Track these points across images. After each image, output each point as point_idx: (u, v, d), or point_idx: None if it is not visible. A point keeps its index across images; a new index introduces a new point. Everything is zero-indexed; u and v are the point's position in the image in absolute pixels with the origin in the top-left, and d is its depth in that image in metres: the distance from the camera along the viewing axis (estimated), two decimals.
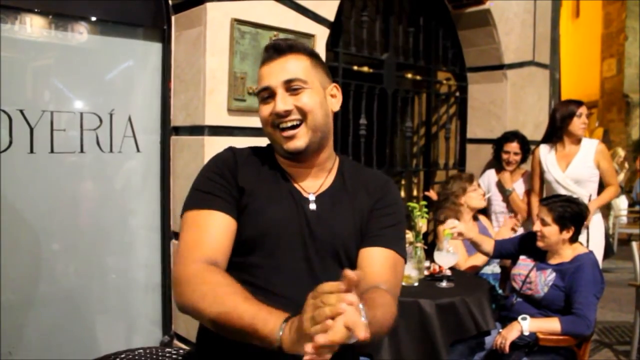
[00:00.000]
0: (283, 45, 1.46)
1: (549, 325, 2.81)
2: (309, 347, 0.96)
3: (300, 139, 1.43)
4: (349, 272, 1.00)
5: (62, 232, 2.83)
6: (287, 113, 1.40)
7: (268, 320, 1.13)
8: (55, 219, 2.80)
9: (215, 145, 2.84)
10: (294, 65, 1.43)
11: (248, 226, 1.42)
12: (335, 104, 1.53)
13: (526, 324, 2.81)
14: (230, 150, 1.55)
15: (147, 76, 3.05)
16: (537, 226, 3.00)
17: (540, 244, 2.99)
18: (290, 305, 1.26)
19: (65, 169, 2.80)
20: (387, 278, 1.40)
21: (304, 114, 1.42)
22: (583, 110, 3.84)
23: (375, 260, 1.43)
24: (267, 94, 1.44)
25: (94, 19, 2.83)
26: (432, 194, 4.41)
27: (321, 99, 1.46)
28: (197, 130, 2.88)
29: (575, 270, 2.87)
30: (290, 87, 1.41)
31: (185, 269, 1.33)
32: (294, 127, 1.42)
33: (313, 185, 1.50)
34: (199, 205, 1.44)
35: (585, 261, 2.90)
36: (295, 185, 1.49)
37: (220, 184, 1.45)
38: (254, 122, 3.02)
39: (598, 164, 3.82)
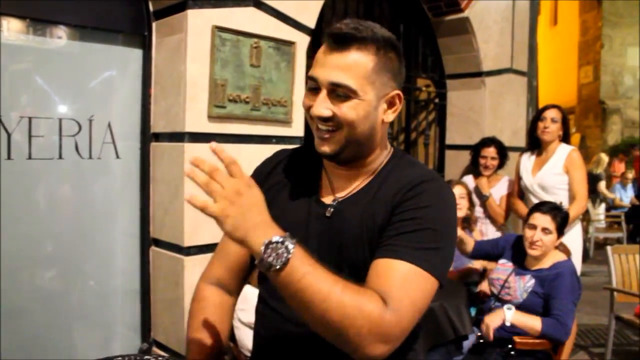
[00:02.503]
0: (347, 35, 1.18)
1: (531, 323, 2.83)
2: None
3: (331, 144, 1.24)
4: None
5: (40, 239, 2.82)
6: (324, 119, 1.22)
7: None
8: (34, 226, 2.78)
9: (195, 152, 2.85)
10: (350, 67, 1.18)
11: None
12: (391, 114, 1.27)
13: (510, 314, 2.85)
14: (272, 156, 1.47)
15: (127, 82, 3.04)
16: (537, 235, 2.96)
17: (536, 252, 2.97)
18: (288, 322, 1.28)
19: (44, 175, 2.79)
20: (386, 289, 1.12)
21: (341, 124, 1.21)
22: (547, 114, 3.79)
23: (376, 273, 1.17)
24: (313, 85, 1.23)
25: (73, 24, 2.82)
26: None
27: (370, 110, 1.22)
28: (178, 136, 2.88)
29: (554, 278, 2.90)
30: (336, 92, 1.20)
31: (197, 283, 1.46)
32: (328, 131, 1.24)
33: (344, 187, 1.33)
34: None
35: (565, 269, 2.93)
36: (324, 187, 1.35)
37: None
38: (235, 128, 3.03)
39: (567, 170, 3.74)
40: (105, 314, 3.07)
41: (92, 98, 2.93)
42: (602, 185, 9.59)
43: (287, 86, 3.24)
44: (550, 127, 3.76)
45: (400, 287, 1.12)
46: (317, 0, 3.42)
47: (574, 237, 3.71)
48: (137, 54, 3.06)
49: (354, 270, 1.22)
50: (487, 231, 4.19)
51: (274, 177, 1.40)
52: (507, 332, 2.87)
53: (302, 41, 3.31)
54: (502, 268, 3.14)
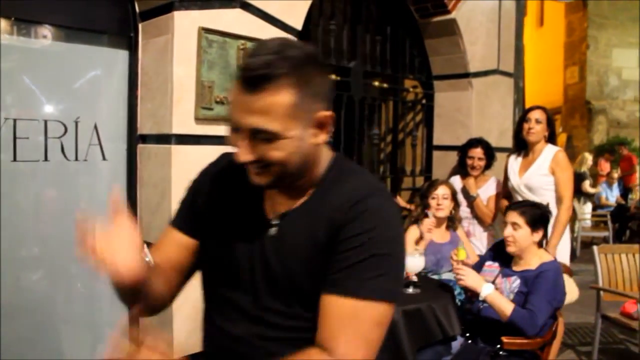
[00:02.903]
0: (259, 76, 1.06)
1: (503, 306, 2.85)
2: None
3: (263, 178, 1.17)
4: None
5: (26, 241, 2.79)
6: (249, 163, 1.14)
7: None
8: (20, 228, 2.76)
9: (182, 154, 2.84)
10: (269, 110, 1.08)
11: (206, 251, 1.34)
12: (322, 136, 1.17)
13: (485, 291, 2.88)
14: (215, 161, 1.42)
15: (113, 84, 3.03)
16: (508, 231, 3.00)
17: (511, 249, 3.00)
18: (235, 344, 1.25)
19: (29, 177, 2.76)
20: (333, 335, 1.10)
21: (270, 163, 1.13)
22: (532, 115, 3.80)
23: (324, 313, 1.13)
24: (234, 125, 1.14)
25: (58, 24, 2.80)
26: (400, 201, 4.46)
27: (298, 145, 1.12)
28: (164, 138, 2.87)
29: (537, 276, 2.92)
30: (258, 136, 1.10)
31: None
32: (259, 168, 1.16)
33: (285, 203, 1.25)
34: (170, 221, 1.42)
35: (550, 268, 2.95)
36: (266, 203, 1.27)
37: (186, 200, 1.41)
38: (222, 130, 3.01)
39: (553, 172, 3.74)
40: (92, 316, 3.05)
41: (78, 99, 2.91)
42: (586, 183, 9.67)
43: None
44: (535, 128, 3.77)
45: (349, 327, 1.10)
46: (304, 1, 3.42)
47: (563, 237, 3.73)
48: (123, 55, 3.04)
49: (300, 295, 1.19)
50: (475, 231, 4.20)
51: (218, 182, 1.35)
52: (494, 334, 2.89)
53: None
54: (489, 270, 3.16)
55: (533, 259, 2.99)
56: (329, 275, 1.14)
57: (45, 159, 2.78)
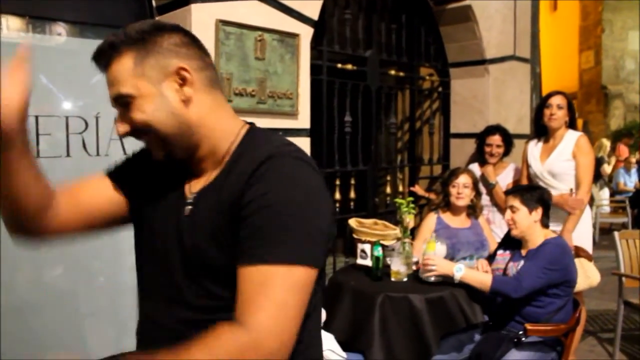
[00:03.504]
0: (101, 53, 1.18)
1: (481, 278, 2.90)
2: None
3: (155, 150, 1.21)
4: None
5: None
6: (130, 134, 1.18)
7: None
8: None
9: None
10: (116, 77, 1.16)
11: (135, 232, 1.34)
12: (188, 90, 1.16)
13: (459, 275, 2.91)
14: None
15: None
16: (507, 215, 3.03)
17: (514, 232, 3.03)
18: (155, 330, 1.24)
19: (52, 173, 2.78)
20: (247, 306, 1.05)
21: (142, 130, 1.17)
22: (553, 100, 3.76)
23: (237, 287, 1.08)
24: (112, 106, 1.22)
25: (75, 21, 2.81)
26: (418, 189, 4.45)
27: (159, 101, 1.15)
28: None
29: (538, 250, 2.94)
30: (121, 105, 1.17)
31: None
32: (145, 141, 1.22)
33: (201, 181, 1.24)
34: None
35: (551, 243, 2.96)
36: (186, 183, 1.26)
37: (125, 163, 1.40)
38: None
39: (574, 156, 3.70)
40: (116, 310, 3.08)
41: (97, 95, 2.91)
42: (604, 167, 9.59)
43: (292, 78, 3.23)
44: (557, 113, 3.74)
45: (260, 295, 1.04)
46: None
47: (584, 222, 3.71)
48: None
49: (215, 272, 1.15)
50: (495, 219, 4.18)
51: (149, 164, 1.31)
52: (518, 322, 2.89)
53: (306, 33, 3.31)
54: (501, 258, 3.17)
55: (538, 239, 3.00)
56: (238, 246, 1.09)
57: (67, 154, 2.80)
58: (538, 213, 3.01)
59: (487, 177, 4.22)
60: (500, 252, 3.21)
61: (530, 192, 3.08)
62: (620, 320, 4.15)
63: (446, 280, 3.03)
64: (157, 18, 3.02)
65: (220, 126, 1.21)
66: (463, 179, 3.66)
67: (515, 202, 3.01)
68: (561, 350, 2.90)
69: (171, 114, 1.15)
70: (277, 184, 1.09)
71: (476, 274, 2.95)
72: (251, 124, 1.28)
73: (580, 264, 3.13)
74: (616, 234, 4.27)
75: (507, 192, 3.15)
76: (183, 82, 1.16)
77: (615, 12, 12.45)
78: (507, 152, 4.32)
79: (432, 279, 3.05)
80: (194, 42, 1.22)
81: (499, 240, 3.81)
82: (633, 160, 10.36)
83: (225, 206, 1.12)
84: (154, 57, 1.15)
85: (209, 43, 2.85)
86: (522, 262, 2.97)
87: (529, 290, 2.83)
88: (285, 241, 1.06)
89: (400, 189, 4.78)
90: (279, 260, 1.05)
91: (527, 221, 3.00)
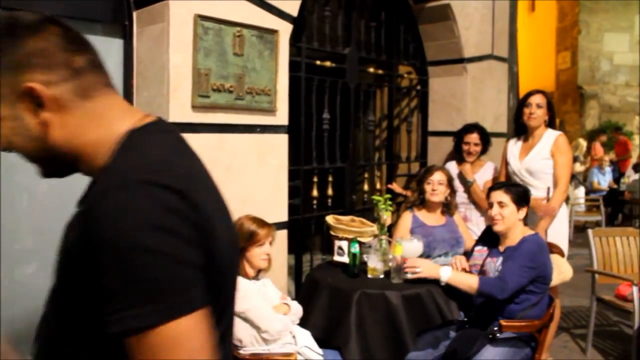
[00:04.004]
0: None
1: (468, 281, 2.93)
2: None
3: (38, 170, 1.05)
4: None
5: (21, 235, 2.78)
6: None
7: None
8: (16, 222, 2.74)
9: None
10: None
11: None
12: (46, 114, 0.95)
13: (445, 276, 2.94)
14: None
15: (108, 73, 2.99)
16: (495, 210, 3.05)
17: (499, 227, 3.06)
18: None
19: (26, 169, 2.74)
20: None
21: (8, 150, 0.99)
22: (532, 99, 3.81)
23: None
24: None
25: (50, 14, 2.76)
26: (396, 187, 4.47)
27: (15, 126, 0.96)
28: None
29: (516, 249, 2.99)
30: None
31: None
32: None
33: None
34: None
35: (528, 240, 3.01)
36: None
37: None
38: (219, 118, 3.01)
39: (553, 155, 3.75)
40: None
41: None
42: (576, 165, 9.72)
43: (271, 75, 3.22)
44: (536, 112, 3.79)
45: None
46: None
47: (561, 221, 3.76)
48: (117, 44, 3.01)
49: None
50: (472, 216, 4.22)
51: None
52: (493, 318, 2.92)
53: (285, 29, 3.30)
54: (478, 254, 3.20)
55: (517, 236, 3.05)
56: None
57: None
58: (524, 211, 3.07)
59: (465, 175, 4.26)
60: (477, 248, 3.24)
61: (518, 189, 3.14)
62: (592, 316, 4.22)
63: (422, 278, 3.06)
64: (134, 12, 2.99)
65: (95, 142, 0.99)
66: (438, 176, 3.69)
67: (506, 198, 3.05)
68: (535, 346, 2.94)
69: (30, 139, 0.96)
70: (105, 228, 0.84)
71: (462, 276, 2.96)
72: (141, 127, 1.00)
73: (553, 259, 3.17)
74: (590, 231, 4.34)
75: (496, 188, 3.17)
76: (38, 103, 0.94)
77: (592, 14, 12.62)
78: (484, 151, 4.35)
79: (409, 275, 3.07)
80: (63, 41, 0.98)
81: (475, 237, 3.85)
82: (607, 159, 10.53)
83: (73, 249, 0.92)
84: (5, 71, 0.93)
85: (187, 38, 2.84)
86: (500, 258, 3.01)
87: (514, 290, 2.88)
88: (146, 295, 0.83)
89: (378, 186, 4.79)
90: (151, 324, 0.82)
91: (514, 218, 3.05)
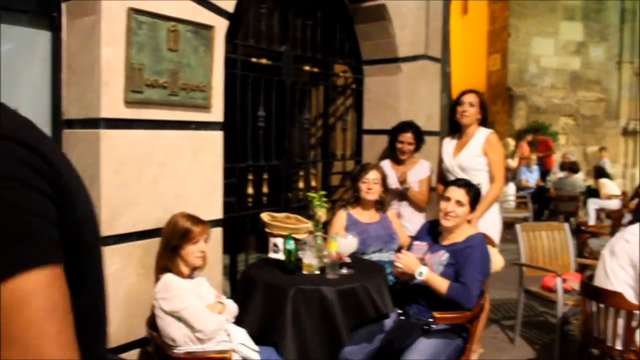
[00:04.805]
0: None
1: (439, 283, 2.99)
2: None
3: None
4: None
5: None
6: None
7: None
8: None
9: (111, 139, 2.77)
10: None
11: None
12: None
13: (420, 278, 2.99)
14: None
15: (34, 66, 2.90)
16: (451, 206, 3.14)
17: (449, 223, 3.14)
18: None
19: None
20: None
21: None
22: (465, 98, 3.95)
23: None
24: None
25: None
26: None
27: None
28: (92, 123, 2.78)
29: (466, 249, 3.07)
30: None
31: None
32: None
33: None
34: None
35: (477, 242, 3.12)
36: None
37: None
38: (153, 114, 2.96)
39: (485, 153, 3.89)
40: None
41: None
42: (509, 162, 10.07)
43: (206, 71, 3.19)
44: (469, 110, 3.92)
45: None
46: None
47: (493, 216, 3.89)
48: (45, 36, 2.91)
49: None
50: (404, 213, 4.30)
51: None
52: (427, 310, 3.00)
53: (221, 25, 3.27)
54: (417, 248, 3.27)
55: (461, 233, 3.15)
56: None
57: None
58: (472, 212, 3.22)
59: (401, 183, 4.29)
60: (416, 242, 3.31)
61: (476, 190, 3.25)
62: (520, 307, 4.39)
63: (356, 272, 3.10)
64: (63, 4, 2.90)
65: None
66: (373, 175, 3.75)
67: (465, 198, 3.15)
68: (467, 337, 3.04)
69: None
70: None
71: (436, 278, 3.01)
72: None
73: None
74: (518, 226, 4.52)
75: (456, 184, 3.25)
76: None
77: (521, 18, 13.06)
78: (417, 149, 4.45)
79: (344, 270, 3.11)
80: None
81: (409, 233, 3.94)
82: (534, 157, 10.94)
83: None
84: None
85: (119, 32, 2.77)
86: (445, 253, 3.09)
87: (478, 295, 2.99)
88: None
89: (314, 183, 4.81)
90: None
91: (465, 218, 3.17)
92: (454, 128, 4.09)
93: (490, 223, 3.80)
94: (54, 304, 0.77)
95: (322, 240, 3.23)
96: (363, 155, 5.17)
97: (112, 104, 2.78)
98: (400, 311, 3.15)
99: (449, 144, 4.10)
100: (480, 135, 3.95)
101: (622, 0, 13.19)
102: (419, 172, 4.40)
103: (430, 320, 2.93)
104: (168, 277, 2.73)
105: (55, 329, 0.76)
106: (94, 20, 2.74)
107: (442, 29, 5.53)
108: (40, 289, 0.76)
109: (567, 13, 13.02)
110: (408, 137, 4.36)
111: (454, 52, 7.72)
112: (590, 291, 3.30)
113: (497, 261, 3.58)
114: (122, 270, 2.85)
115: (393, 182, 4.24)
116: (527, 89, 13.13)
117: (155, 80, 2.93)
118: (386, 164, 4.43)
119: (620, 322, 3.06)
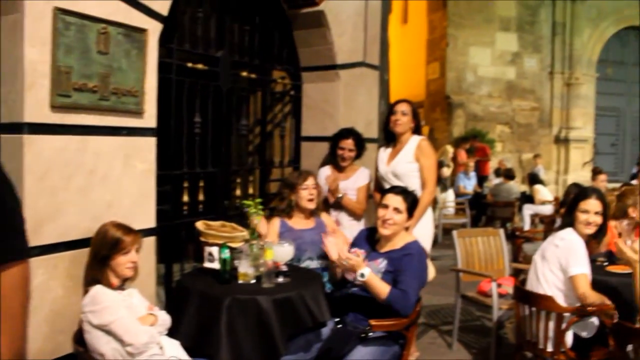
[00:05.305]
0: None
1: (380, 287, 2.97)
2: None
3: None
4: None
5: None
6: None
7: None
8: None
9: (36, 144, 2.64)
10: None
11: None
12: None
13: (361, 279, 2.97)
14: None
15: None
16: (389, 214, 3.14)
17: (387, 231, 3.15)
18: None
19: None
20: None
21: None
22: (398, 107, 4.04)
23: None
24: None
25: None
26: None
27: None
28: (15, 127, 2.64)
29: (404, 257, 3.08)
30: None
31: None
32: None
33: None
34: None
35: (414, 250, 3.14)
36: None
37: None
38: (82, 119, 2.85)
39: (417, 159, 3.95)
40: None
41: None
42: (443, 170, 10.24)
43: (138, 75, 3.10)
44: (401, 119, 4.00)
45: None
46: None
47: (425, 223, 3.94)
48: None
49: None
50: (342, 220, 4.30)
51: None
52: (363, 318, 2.99)
53: (154, 29, 3.19)
54: (355, 255, 3.25)
55: (399, 240, 3.16)
56: None
57: None
58: (410, 220, 3.23)
59: (334, 192, 4.28)
60: (353, 249, 3.29)
61: (413, 198, 3.26)
62: (457, 312, 4.46)
63: (293, 281, 3.07)
64: None
65: None
66: (311, 181, 3.73)
67: (403, 206, 3.15)
68: (404, 343, 3.05)
69: None
70: None
71: (377, 281, 2.99)
72: None
73: None
74: (454, 232, 4.58)
75: (393, 192, 3.26)
76: None
77: (459, 28, 13.35)
78: (358, 156, 4.45)
79: (280, 279, 3.06)
80: None
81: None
82: (471, 164, 11.19)
83: None
84: None
85: (45, 32, 2.65)
86: (383, 260, 3.09)
87: (415, 302, 3.00)
88: None
89: (251, 191, 4.74)
90: None
91: (402, 225, 3.17)
92: (388, 137, 4.15)
93: (423, 231, 3.84)
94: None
95: (258, 249, 3.17)
96: (301, 162, 5.14)
97: (37, 108, 2.65)
98: (337, 319, 3.13)
99: (384, 152, 4.16)
100: (413, 142, 4.02)
101: (553, 13, 13.70)
102: (359, 180, 4.40)
103: (367, 327, 2.92)
104: (97, 289, 2.63)
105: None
106: (16, 19, 2.60)
107: (380, 36, 5.58)
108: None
109: (503, 24, 13.40)
110: (349, 143, 4.37)
111: (394, 60, 7.81)
112: (522, 295, 3.38)
113: (430, 271, 3.61)
114: (47, 283, 2.71)
115: (326, 190, 4.25)
116: (465, 97, 13.43)
117: (84, 84, 2.82)
118: (326, 170, 4.43)
119: (551, 324, 3.14)
